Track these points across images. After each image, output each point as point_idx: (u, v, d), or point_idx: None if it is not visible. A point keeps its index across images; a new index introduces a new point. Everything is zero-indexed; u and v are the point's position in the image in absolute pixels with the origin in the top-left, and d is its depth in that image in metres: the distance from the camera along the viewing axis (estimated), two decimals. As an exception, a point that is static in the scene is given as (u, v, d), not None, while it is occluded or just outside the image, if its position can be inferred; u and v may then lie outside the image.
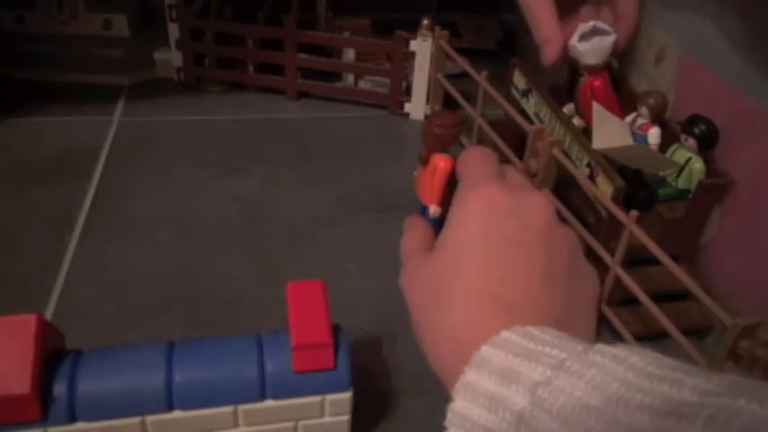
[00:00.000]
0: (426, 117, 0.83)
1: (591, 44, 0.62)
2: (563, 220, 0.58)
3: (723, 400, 0.19)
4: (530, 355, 0.25)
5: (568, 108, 0.66)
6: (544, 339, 0.26)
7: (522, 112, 0.68)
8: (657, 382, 0.21)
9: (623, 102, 0.65)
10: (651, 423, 0.20)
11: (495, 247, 0.30)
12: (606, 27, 0.62)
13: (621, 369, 0.22)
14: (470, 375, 0.26)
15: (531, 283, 0.29)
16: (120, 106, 0.83)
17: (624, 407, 0.21)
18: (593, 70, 0.64)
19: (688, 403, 0.20)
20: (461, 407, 0.26)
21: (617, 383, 0.22)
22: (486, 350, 0.26)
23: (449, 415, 0.26)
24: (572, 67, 0.66)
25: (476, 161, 0.35)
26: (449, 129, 0.38)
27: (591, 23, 0.62)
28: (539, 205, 0.32)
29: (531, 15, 0.60)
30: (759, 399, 0.18)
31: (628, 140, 0.57)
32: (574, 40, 0.63)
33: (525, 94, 0.69)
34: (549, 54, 0.60)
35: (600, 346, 0.24)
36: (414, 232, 0.37)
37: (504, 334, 0.26)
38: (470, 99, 0.73)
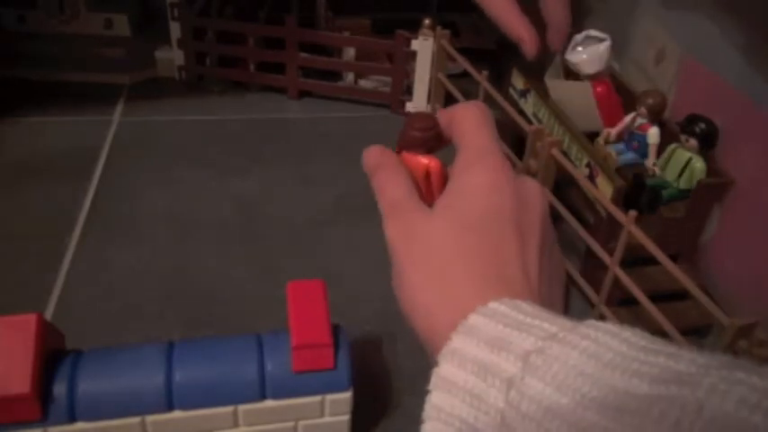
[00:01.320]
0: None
1: (586, 53, 0.62)
2: (561, 219, 0.58)
3: (722, 372, 0.19)
4: (520, 326, 0.25)
5: None
6: (533, 313, 0.26)
7: (521, 113, 0.68)
8: (653, 355, 0.21)
9: (623, 102, 0.65)
10: (651, 389, 0.20)
11: (501, 229, 0.30)
12: (600, 34, 0.62)
13: (615, 342, 0.22)
14: (458, 342, 0.26)
15: (527, 265, 0.30)
16: (120, 106, 0.83)
17: (621, 374, 0.21)
18: (594, 78, 0.63)
19: (687, 373, 0.20)
20: (447, 372, 0.26)
21: (611, 354, 0.22)
22: (474, 318, 0.26)
23: (433, 379, 0.26)
24: (574, 74, 0.66)
25: (473, 128, 0.34)
26: (427, 131, 0.38)
27: (583, 33, 0.62)
28: (537, 192, 0.33)
29: (497, 19, 0.62)
30: (758, 373, 0.19)
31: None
32: (568, 53, 0.63)
33: (524, 94, 0.69)
34: (528, 51, 0.62)
35: (591, 321, 0.24)
36: (396, 175, 0.35)
37: (493, 304, 0.27)
38: (470, 99, 0.73)
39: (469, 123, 0.34)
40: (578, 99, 0.63)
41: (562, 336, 0.23)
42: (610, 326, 0.24)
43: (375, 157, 0.37)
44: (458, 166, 0.33)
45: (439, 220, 0.31)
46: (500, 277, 0.29)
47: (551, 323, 0.25)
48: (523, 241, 0.30)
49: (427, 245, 0.31)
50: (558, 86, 0.65)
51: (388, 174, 0.35)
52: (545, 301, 0.29)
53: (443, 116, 0.36)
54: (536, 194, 0.33)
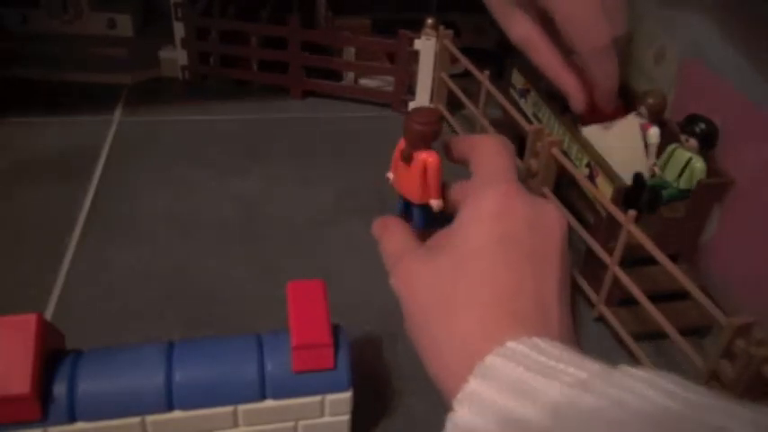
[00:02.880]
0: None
1: None
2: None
3: None
4: (544, 370, 0.23)
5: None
6: (555, 354, 0.24)
7: (521, 113, 0.68)
8: (704, 412, 0.19)
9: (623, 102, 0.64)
10: None
11: (511, 257, 0.28)
12: None
13: (652, 392, 0.20)
14: (475, 385, 0.24)
15: (543, 297, 0.28)
16: (120, 106, 0.83)
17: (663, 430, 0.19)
18: None
19: None
20: (465, 419, 0.24)
21: (650, 405, 0.20)
22: (492, 360, 0.24)
23: (449, 425, 0.24)
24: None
25: (491, 153, 0.33)
26: (429, 125, 0.39)
27: None
28: (556, 218, 0.30)
29: (544, 70, 0.58)
30: None
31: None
32: None
33: (523, 94, 0.69)
34: (575, 106, 0.58)
35: (623, 366, 0.22)
36: (394, 233, 0.35)
37: (511, 344, 0.25)
38: (472, 98, 0.73)
39: (487, 150, 0.33)
40: (622, 140, 0.59)
41: (594, 384, 0.22)
42: (643, 372, 0.22)
43: (378, 225, 0.37)
44: (469, 193, 0.32)
45: (441, 257, 0.30)
46: (513, 311, 0.27)
47: (578, 367, 0.23)
48: (539, 270, 0.28)
49: (431, 283, 0.29)
50: (596, 131, 0.60)
51: (387, 235, 0.35)
52: (564, 337, 0.27)
53: (463, 142, 0.35)
54: (554, 219, 0.30)
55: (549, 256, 0.29)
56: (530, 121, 0.66)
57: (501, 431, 0.22)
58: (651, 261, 0.48)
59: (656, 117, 0.60)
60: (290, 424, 0.41)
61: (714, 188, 0.56)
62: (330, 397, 0.41)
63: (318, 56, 0.85)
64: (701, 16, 0.59)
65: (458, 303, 0.28)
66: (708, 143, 0.56)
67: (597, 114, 0.60)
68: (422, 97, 0.82)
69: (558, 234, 0.30)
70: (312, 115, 0.84)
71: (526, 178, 0.62)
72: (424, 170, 0.42)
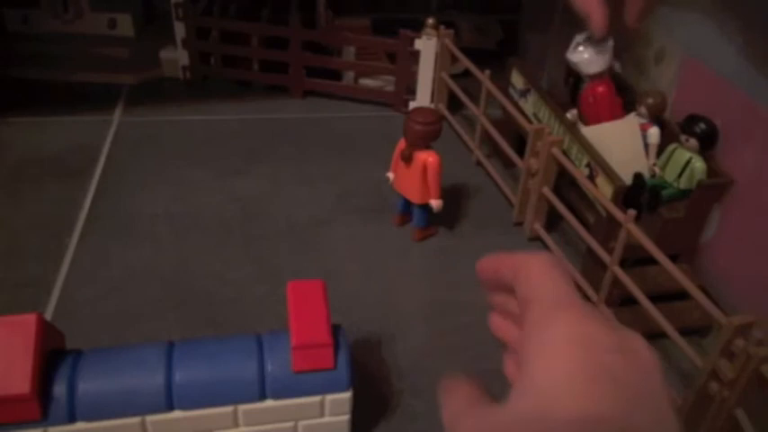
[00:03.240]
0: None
1: (588, 53, 0.61)
2: (561, 219, 0.58)
3: None
4: None
5: (572, 114, 0.66)
6: None
7: (521, 113, 0.68)
8: None
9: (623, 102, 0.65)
10: None
11: (606, 388, 0.22)
12: None
13: None
14: None
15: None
16: (120, 106, 0.83)
17: None
18: (595, 77, 0.63)
19: None
20: None
21: None
22: None
23: None
24: (575, 73, 0.65)
25: (543, 274, 0.27)
26: (429, 125, 0.39)
27: (584, 33, 0.61)
28: (645, 347, 0.24)
29: None
30: None
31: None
32: (569, 53, 0.62)
33: (524, 93, 0.69)
34: (596, 29, 0.56)
35: None
36: (457, 392, 0.27)
37: None
38: (473, 99, 0.73)
39: (537, 272, 0.27)
40: (622, 140, 0.60)
41: None
42: None
43: (443, 388, 0.28)
44: (531, 324, 0.25)
45: (518, 405, 0.23)
46: None
47: None
48: (647, 407, 0.22)
49: None
50: (596, 131, 0.60)
51: (448, 396, 0.27)
52: None
53: (501, 263, 0.29)
54: (644, 348, 0.24)
55: (655, 389, 0.23)
56: (530, 121, 0.66)
57: None
58: (651, 261, 0.48)
59: (656, 117, 0.60)
60: (290, 424, 0.41)
61: (714, 188, 0.56)
62: (330, 397, 0.41)
63: (318, 56, 0.85)
64: (701, 16, 0.59)
65: None
66: (708, 143, 0.56)
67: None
68: (422, 97, 0.82)
69: (656, 366, 0.24)
70: (312, 115, 0.84)
71: (526, 178, 0.62)
72: (424, 170, 0.42)
